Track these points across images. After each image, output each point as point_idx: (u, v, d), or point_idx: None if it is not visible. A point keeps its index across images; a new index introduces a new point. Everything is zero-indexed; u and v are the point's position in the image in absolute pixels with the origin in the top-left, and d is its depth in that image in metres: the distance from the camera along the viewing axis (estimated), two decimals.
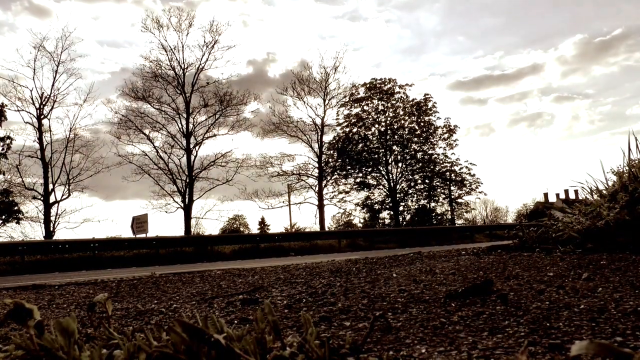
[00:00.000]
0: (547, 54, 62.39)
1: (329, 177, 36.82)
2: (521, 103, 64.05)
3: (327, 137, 37.19)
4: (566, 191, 54.59)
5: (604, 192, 5.23)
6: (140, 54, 44.20)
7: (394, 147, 38.08)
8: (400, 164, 38.29)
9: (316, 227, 35.36)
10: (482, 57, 64.84)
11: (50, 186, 28.42)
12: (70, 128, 29.37)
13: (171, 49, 31.23)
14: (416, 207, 38.50)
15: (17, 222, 27.18)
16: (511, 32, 68.65)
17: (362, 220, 40.12)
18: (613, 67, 60.73)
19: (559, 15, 66.90)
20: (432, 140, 38.31)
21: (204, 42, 31.90)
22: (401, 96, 37.93)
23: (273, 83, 50.64)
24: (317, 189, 35.63)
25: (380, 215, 38.77)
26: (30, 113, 28.58)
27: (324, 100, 36.09)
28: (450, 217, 38.69)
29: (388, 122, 37.84)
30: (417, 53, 64.88)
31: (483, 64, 62.99)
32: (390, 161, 38.19)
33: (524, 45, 67.22)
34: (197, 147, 31.71)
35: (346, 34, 54.40)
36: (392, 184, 37.79)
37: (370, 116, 37.92)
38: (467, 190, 38.04)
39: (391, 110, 38.04)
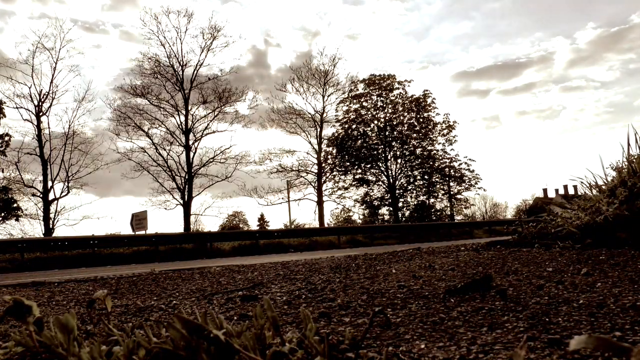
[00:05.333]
0: (557, 42, 61.04)
1: (328, 174, 36.84)
2: (527, 94, 62.78)
3: (326, 133, 37.24)
4: (565, 187, 54.64)
5: (603, 187, 5.23)
6: (139, 50, 44.10)
7: (393, 143, 38.07)
8: (399, 160, 38.30)
9: (315, 224, 35.42)
10: (489, 46, 63.79)
11: (50, 183, 28.42)
12: (69, 125, 29.37)
13: (170, 46, 31.18)
14: (415, 203, 38.53)
15: (17, 220, 27.16)
16: (519, 18, 67.08)
17: (361, 217, 40.17)
18: (630, 54, 58.17)
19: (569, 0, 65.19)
20: (431, 136, 38.30)
21: (203, 38, 31.84)
22: (400, 92, 37.92)
23: (272, 71, 50.30)
24: (316, 185, 35.64)
25: (380, 211, 38.82)
26: (29, 110, 28.57)
27: (323, 97, 36.08)
28: (449, 213, 38.74)
29: (387, 118, 37.81)
30: (420, 40, 63.85)
31: (488, 52, 62.00)
32: (389, 157, 38.20)
33: (532, 33, 65.72)
34: (196, 144, 31.72)
35: (348, 19, 53.54)
36: (391, 180, 37.80)
37: (369, 112, 37.89)
38: (467, 186, 38.07)
39: (390, 106, 38.02)
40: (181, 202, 30.85)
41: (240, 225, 50.62)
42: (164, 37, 31.20)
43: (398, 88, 37.86)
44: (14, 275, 10.42)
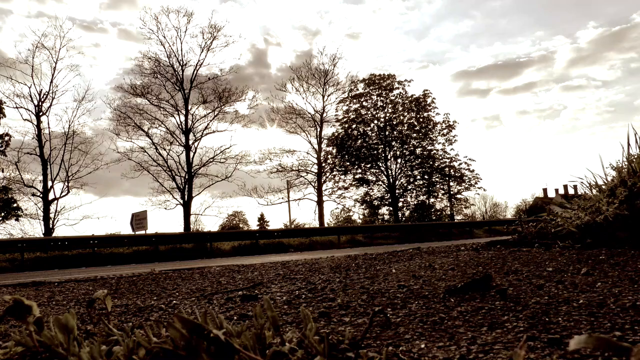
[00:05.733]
0: (558, 41, 60.55)
1: (328, 173, 36.85)
2: (527, 93, 62.13)
3: (326, 133, 37.25)
4: (565, 186, 54.54)
5: (603, 187, 5.23)
6: (139, 49, 44.11)
7: (393, 143, 38.07)
8: (399, 160, 38.29)
9: (315, 224, 35.43)
10: (489, 45, 63.41)
11: (50, 183, 28.42)
12: (69, 124, 29.38)
13: (170, 45, 31.19)
14: (415, 202, 38.51)
15: (17, 220, 27.17)
16: (520, 17, 66.43)
17: (361, 217, 40.16)
18: (631, 53, 57.25)
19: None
20: (431, 136, 38.29)
21: (203, 38, 31.86)
22: (400, 92, 37.91)
23: (272, 70, 50.15)
24: (316, 185, 35.65)
25: (380, 211, 38.81)
26: (29, 110, 28.57)
27: (323, 97, 36.10)
28: (449, 212, 38.73)
29: (387, 117, 37.80)
30: (421, 39, 63.49)
31: (489, 51, 61.60)
32: (389, 157, 38.19)
33: (533, 32, 65.19)
34: (196, 144, 31.73)
35: (348, 18, 53.21)
36: (391, 179, 37.80)
37: (369, 112, 37.89)
38: (467, 185, 38.06)
39: (390, 106, 38.01)
40: (181, 202, 30.86)
41: (240, 225, 50.64)
42: (164, 37, 31.25)
43: (398, 88, 37.87)
44: (13, 275, 10.43)
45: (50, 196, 28.44)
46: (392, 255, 5.21)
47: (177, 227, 35.79)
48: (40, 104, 28.67)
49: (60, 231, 28.92)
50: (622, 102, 65.66)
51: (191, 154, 31.36)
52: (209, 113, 31.94)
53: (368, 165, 37.88)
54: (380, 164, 38.12)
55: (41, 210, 28.09)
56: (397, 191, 37.93)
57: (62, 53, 29.59)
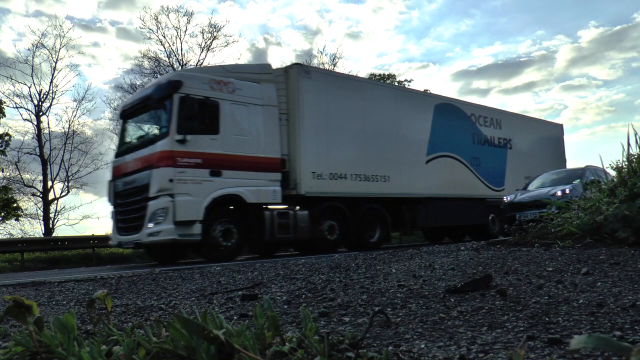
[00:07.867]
0: (559, 40, 59.98)
1: None
2: (528, 93, 61.21)
3: None
4: None
5: (603, 187, 5.24)
6: (138, 49, 44.12)
7: None
8: None
9: None
10: (489, 44, 62.98)
11: (49, 183, 28.41)
12: (69, 124, 29.38)
13: (170, 45, 31.17)
14: None
15: (17, 220, 27.17)
16: (520, 16, 65.40)
17: None
18: (632, 52, 56.08)
19: None
20: None
21: (203, 38, 31.84)
22: None
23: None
24: None
25: None
26: (29, 110, 28.57)
27: None
28: None
29: None
30: (421, 38, 62.91)
31: (489, 51, 61.18)
32: None
33: (534, 31, 64.47)
34: None
35: (349, 17, 52.97)
36: None
37: None
38: None
39: None
40: None
41: None
42: (164, 36, 31.20)
43: None
44: (13, 275, 10.42)
45: (50, 196, 28.44)
46: (392, 255, 5.21)
47: None
48: (40, 103, 28.65)
49: (60, 231, 28.92)
50: (622, 102, 65.22)
51: None
52: None
53: None
54: None
55: (41, 210, 28.10)
56: None
57: (62, 53, 29.60)
